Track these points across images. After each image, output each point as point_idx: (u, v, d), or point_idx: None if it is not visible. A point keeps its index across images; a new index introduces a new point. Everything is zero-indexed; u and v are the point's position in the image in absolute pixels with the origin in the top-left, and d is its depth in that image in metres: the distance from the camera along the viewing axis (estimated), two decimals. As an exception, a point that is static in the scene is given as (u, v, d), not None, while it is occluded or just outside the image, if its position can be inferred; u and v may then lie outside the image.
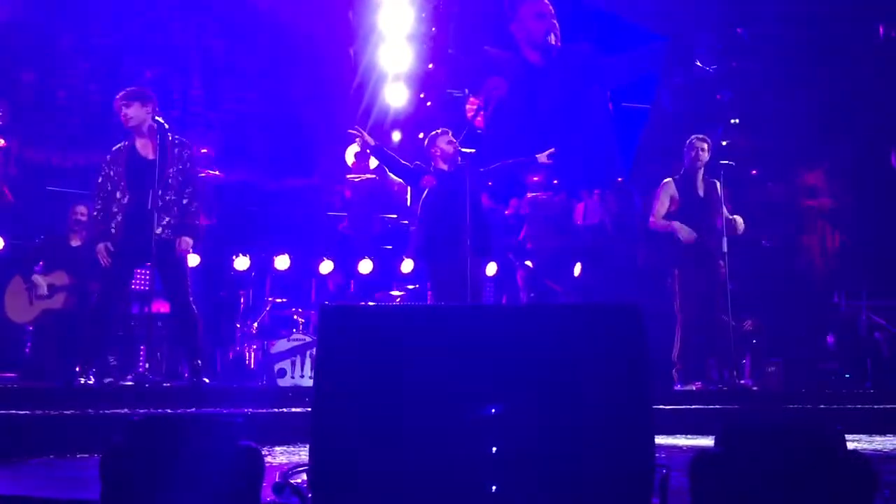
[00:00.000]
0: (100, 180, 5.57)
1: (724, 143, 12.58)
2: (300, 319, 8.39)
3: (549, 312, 2.84)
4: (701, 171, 6.65)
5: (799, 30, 11.36)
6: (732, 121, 12.84)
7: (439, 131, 6.48)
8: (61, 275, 6.86)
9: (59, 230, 7.11)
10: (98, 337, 5.46)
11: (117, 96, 5.64)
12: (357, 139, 6.36)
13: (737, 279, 8.16)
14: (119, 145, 5.64)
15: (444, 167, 6.34)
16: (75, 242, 7.00)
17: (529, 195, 12.00)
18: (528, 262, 9.78)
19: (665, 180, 6.74)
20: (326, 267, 9.84)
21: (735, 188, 9.16)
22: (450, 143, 6.34)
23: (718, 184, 6.69)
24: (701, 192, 6.63)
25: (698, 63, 12.95)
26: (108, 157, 5.62)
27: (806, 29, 11.23)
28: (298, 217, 10.81)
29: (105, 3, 10.08)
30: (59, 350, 6.87)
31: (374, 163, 10.34)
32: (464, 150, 6.38)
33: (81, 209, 7.00)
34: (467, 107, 6.38)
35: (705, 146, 6.64)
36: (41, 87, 9.60)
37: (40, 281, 6.81)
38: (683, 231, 6.49)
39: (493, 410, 2.37)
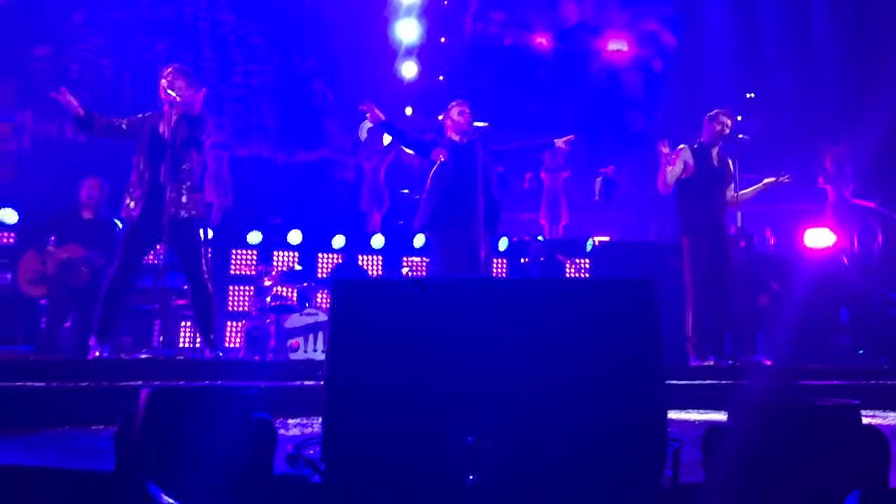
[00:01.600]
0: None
1: (738, 118, 12.47)
2: (313, 294, 8.43)
3: (563, 286, 2.83)
4: (718, 147, 6.59)
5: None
6: (748, 95, 12.73)
7: (454, 103, 6.42)
8: (75, 248, 6.89)
9: (72, 203, 7.12)
10: (112, 311, 5.48)
11: (171, 68, 5.59)
12: (367, 115, 6.29)
13: (751, 254, 8.13)
14: (145, 115, 5.59)
15: (457, 138, 6.28)
16: (87, 215, 7.02)
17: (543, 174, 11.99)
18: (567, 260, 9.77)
19: (681, 146, 6.66)
20: (339, 242, 9.85)
21: (747, 166, 9.07)
22: (462, 113, 6.26)
23: (731, 162, 6.64)
24: (716, 164, 6.57)
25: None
26: (140, 116, 5.59)
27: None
28: (311, 191, 10.83)
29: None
30: (73, 323, 6.92)
31: (387, 138, 10.30)
32: (477, 123, 6.32)
33: (93, 182, 7.01)
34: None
35: (729, 122, 6.57)
36: (54, 61, 9.61)
37: (54, 254, 6.85)
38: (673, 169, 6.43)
39: (504, 385, 2.37)
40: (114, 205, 6.25)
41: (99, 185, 6.99)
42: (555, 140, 6.47)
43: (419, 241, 9.44)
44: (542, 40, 13.05)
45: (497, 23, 12.96)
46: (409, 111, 11.54)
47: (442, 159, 6.13)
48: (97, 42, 9.94)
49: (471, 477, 2.24)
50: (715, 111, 6.69)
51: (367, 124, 7.85)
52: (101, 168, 7.17)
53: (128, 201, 5.44)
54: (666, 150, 6.43)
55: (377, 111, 6.23)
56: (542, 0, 13.03)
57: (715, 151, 6.59)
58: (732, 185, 6.63)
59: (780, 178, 6.91)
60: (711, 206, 6.48)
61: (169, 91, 5.39)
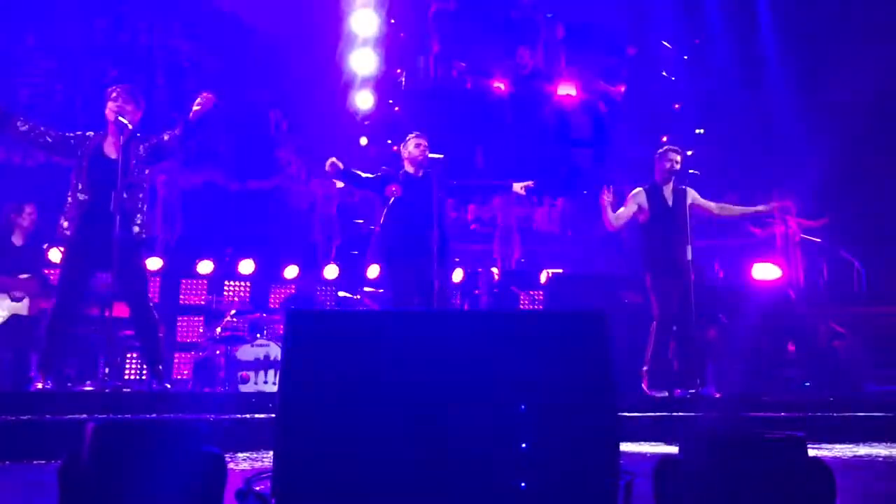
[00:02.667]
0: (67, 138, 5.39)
1: (689, 153, 12.74)
2: (264, 325, 8.33)
3: (516, 319, 2.84)
4: (671, 182, 6.72)
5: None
6: (697, 131, 13.02)
7: (411, 135, 6.47)
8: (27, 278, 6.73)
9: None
10: (58, 342, 5.33)
11: (120, 88, 5.49)
12: (328, 168, 6.30)
13: (700, 287, 8.24)
14: (88, 133, 5.44)
15: (412, 171, 6.33)
16: (18, 242, 6.83)
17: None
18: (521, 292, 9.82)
19: (635, 190, 6.81)
20: (292, 272, 9.78)
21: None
22: (418, 146, 6.32)
23: (688, 191, 6.78)
24: (670, 202, 6.70)
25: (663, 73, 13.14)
26: (78, 136, 5.41)
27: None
28: (263, 220, 10.74)
29: (70, 3, 9.97)
30: (14, 355, 6.72)
31: (339, 183, 10.31)
32: (433, 155, 6.36)
33: (31, 208, 6.85)
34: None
35: (678, 158, 6.71)
36: (3, 84, 9.43)
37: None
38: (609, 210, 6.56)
39: (458, 416, 2.37)
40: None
41: (35, 210, 6.82)
42: (513, 184, 6.55)
43: (373, 271, 9.42)
44: (500, 85, 13.34)
45: (459, 70, 13.28)
46: (363, 141, 11.57)
47: (396, 194, 6.17)
48: (49, 66, 9.80)
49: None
50: (664, 148, 6.85)
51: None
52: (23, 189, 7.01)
53: (63, 222, 5.26)
54: (609, 197, 6.57)
55: (338, 163, 6.24)
56: (501, 49, 13.39)
57: (668, 189, 6.72)
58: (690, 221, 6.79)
59: (766, 209, 7.13)
60: (668, 243, 6.60)
61: (120, 116, 5.31)
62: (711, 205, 6.94)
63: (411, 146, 6.34)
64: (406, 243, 6.10)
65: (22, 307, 6.70)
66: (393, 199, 6.21)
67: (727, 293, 9.84)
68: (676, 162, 6.70)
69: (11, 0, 9.55)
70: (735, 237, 11.06)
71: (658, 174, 6.76)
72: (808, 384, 9.13)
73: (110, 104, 5.36)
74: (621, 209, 6.69)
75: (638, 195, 6.72)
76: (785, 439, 2.30)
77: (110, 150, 5.34)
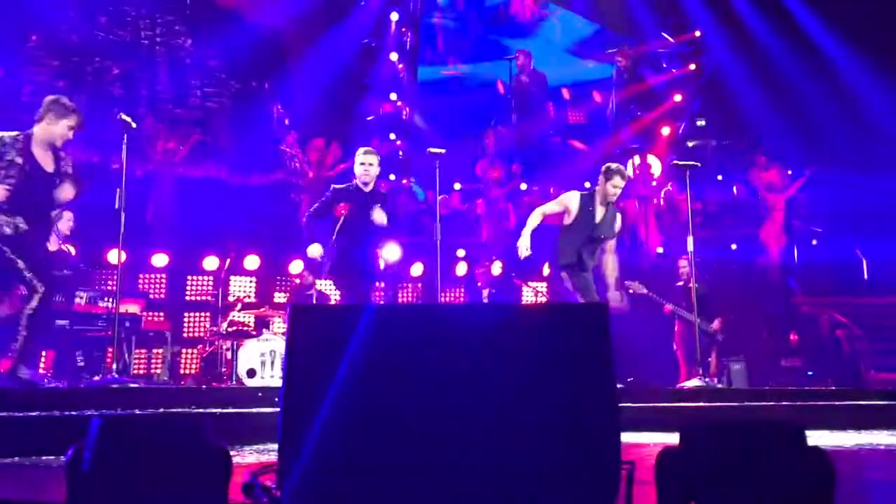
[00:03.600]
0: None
1: (690, 145, 12.77)
2: (270, 319, 8.37)
3: (518, 311, 2.86)
4: (608, 200, 6.62)
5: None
6: (699, 122, 13.03)
7: (360, 150, 6.53)
8: None
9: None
10: (44, 338, 5.44)
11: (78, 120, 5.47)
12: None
13: (704, 280, 8.28)
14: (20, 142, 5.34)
15: (360, 185, 6.40)
16: (52, 247, 6.94)
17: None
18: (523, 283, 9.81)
19: (570, 193, 6.73)
20: (296, 267, 9.80)
21: (700, 191, 9.25)
22: (361, 164, 6.36)
23: (619, 217, 6.77)
24: (597, 219, 6.62)
25: (664, 65, 13.15)
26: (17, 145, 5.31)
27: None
28: (266, 214, 10.77)
29: (72, 1, 9.99)
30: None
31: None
32: (434, 149, 6.42)
33: (69, 216, 6.98)
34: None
35: (621, 184, 6.60)
36: (7, 82, 9.46)
37: None
38: (523, 245, 6.49)
39: (461, 408, 2.39)
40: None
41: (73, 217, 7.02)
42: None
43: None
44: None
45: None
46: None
47: (343, 212, 6.27)
48: (52, 64, 9.82)
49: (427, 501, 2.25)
50: (611, 166, 6.71)
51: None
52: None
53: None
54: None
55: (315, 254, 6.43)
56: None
57: (605, 202, 6.63)
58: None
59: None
60: (581, 256, 6.59)
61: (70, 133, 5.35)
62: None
63: (356, 163, 6.41)
64: (345, 260, 6.28)
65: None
66: (341, 217, 6.29)
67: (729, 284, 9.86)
68: (617, 187, 6.59)
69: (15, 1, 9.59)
70: (744, 227, 11.07)
71: (600, 184, 6.66)
72: (810, 373, 9.15)
73: (72, 122, 5.45)
74: (547, 205, 6.77)
75: (568, 198, 6.70)
76: (785, 427, 2.32)
77: (45, 163, 5.42)
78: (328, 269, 6.39)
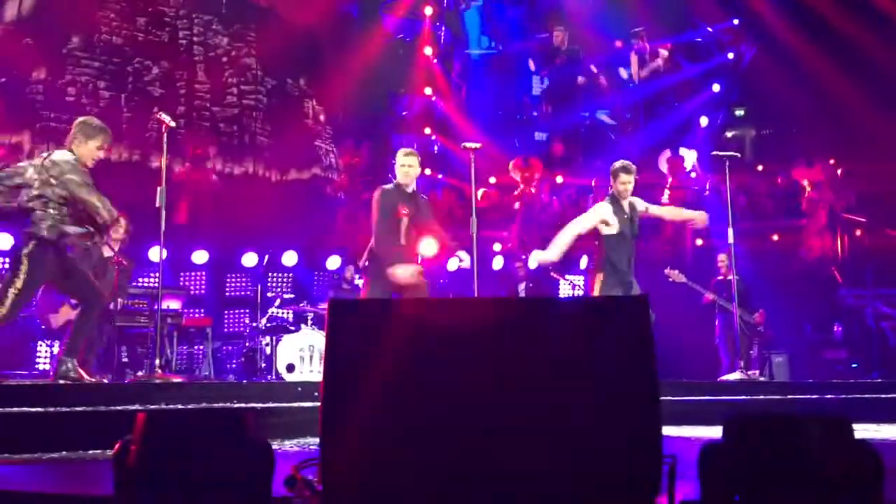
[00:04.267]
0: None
1: (729, 135, 12.60)
2: (309, 314, 8.43)
3: (557, 305, 2.85)
4: (623, 198, 6.51)
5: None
6: (737, 112, 12.86)
7: (400, 151, 6.41)
8: None
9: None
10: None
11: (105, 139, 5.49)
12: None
13: (746, 272, 8.18)
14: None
15: (403, 184, 6.27)
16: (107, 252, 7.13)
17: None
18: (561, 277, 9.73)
19: (601, 204, 6.60)
20: (334, 262, 9.87)
21: (740, 180, 9.12)
22: (402, 166, 6.22)
23: (638, 205, 6.63)
24: (632, 220, 6.52)
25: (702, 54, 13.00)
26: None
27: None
28: (303, 210, 10.86)
29: (111, 3, 10.15)
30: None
31: None
32: (469, 144, 6.41)
33: (124, 220, 7.18)
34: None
35: (626, 178, 6.45)
36: (52, 83, 9.65)
37: None
38: (539, 258, 6.49)
39: (502, 402, 2.39)
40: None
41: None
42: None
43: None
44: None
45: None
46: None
47: (405, 213, 6.13)
48: (94, 65, 9.99)
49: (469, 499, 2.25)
50: (616, 166, 6.57)
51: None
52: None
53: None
54: None
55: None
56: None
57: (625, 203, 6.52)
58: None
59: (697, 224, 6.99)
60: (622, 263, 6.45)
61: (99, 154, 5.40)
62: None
63: (397, 164, 6.30)
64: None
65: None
66: (403, 219, 6.13)
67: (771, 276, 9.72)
68: (626, 183, 6.46)
69: (56, 2, 9.76)
70: (783, 219, 10.92)
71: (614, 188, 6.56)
72: (855, 365, 8.99)
73: (102, 150, 5.47)
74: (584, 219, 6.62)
75: (601, 209, 6.53)
76: (831, 421, 2.28)
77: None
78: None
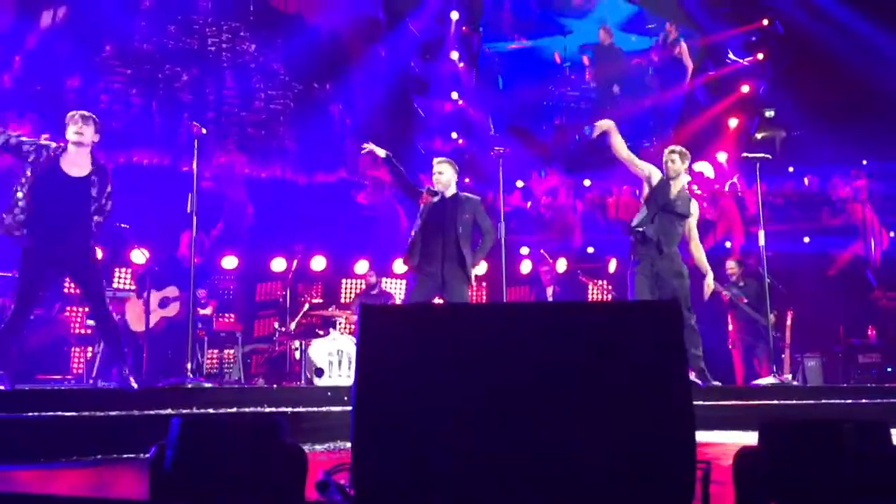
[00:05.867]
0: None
1: (758, 136, 12.48)
2: (337, 319, 8.46)
3: (588, 310, 2.84)
4: (676, 182, 6.50)
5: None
6: (767, 113, 12.72)
7: (435, 160, 6.54)
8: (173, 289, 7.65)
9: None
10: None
11: (77, 115, 5.51)
12: (364, 150, 6.46)
13: (777, 274, 8.08)
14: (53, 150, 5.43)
15: (438, 190, 6.38)
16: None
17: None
18: (589, 280, 9.67)
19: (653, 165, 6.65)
20: (362, 267, 9.90)
21: (771, 182, 9.02)
22: (433, 173, 6.40)
23: (694, 206, 6.59)
24: (672, 192, 6.47)
25: (731, 55, 12.89)
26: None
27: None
28: (330, 213, 10.93)
29: (143, 11, 10.30)
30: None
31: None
32: (498, 148, 6.43)
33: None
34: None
35: (675, 157, 6.49)
36: (85, 91, 9.83)
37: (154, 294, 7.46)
38: (604, 125, 6.40)
39: (533, 408, 2.38)
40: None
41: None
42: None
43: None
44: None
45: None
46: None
47: (426, 203, 6.24)
48: (125, 72, 10.16)
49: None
50: (669, 148, 6.64)
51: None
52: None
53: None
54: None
55: (375, 148, 6.39)
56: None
57: (676, 186, 6.50)
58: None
59: None
60: (658, 236, 6.42)
61: (79, 133, 5.40)
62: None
63: (435, 170, 6.43)
64: (422, 256, 6.24)
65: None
66: (423, 206, 6.29)
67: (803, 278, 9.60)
68: (672, 161, 6.48)
69: (90, 10, 9.92)
70: (815, 221, 10.79)
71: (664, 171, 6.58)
72: (890, 369, 8.85)
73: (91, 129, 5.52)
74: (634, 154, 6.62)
75: (654, 170, 6.55)
76: (868, 426, 2.25)
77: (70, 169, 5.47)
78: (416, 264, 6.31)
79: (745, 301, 8.56)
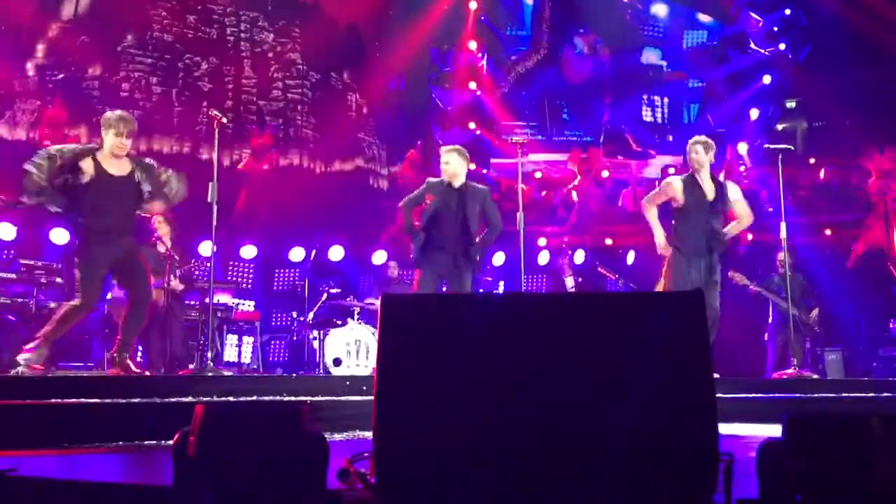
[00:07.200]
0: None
1: (780, 128, 12.37)
2: (356, 309, 8.48)
3: (610, 300, 2.82)
4: (702, 173, 6.39)
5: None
6: (789, 104, 12.60)
7: (442, 149, 6.48)
8: None
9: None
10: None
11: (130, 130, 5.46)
12: None
13: (799, 268, 8.01)
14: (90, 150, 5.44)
15: (446, 180, 6.31)
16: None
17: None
18: (609, 272, 9.59)
19: (668, 180, 6.55)
20: (380, 257, 9.91)
21: (794, 174, 8.92)
22: (440, 162, 6.31)
23: (730, 186, 6.51)
24: (710, 195, 6.35)
25: (752, 45, 12.77)
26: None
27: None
28: (348, 201, 10.95)
29: (163, 1, 10.37)
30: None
31: None
32: (517, 138, 6.38)
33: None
34: None
35: (698, 149, 6.39)
36: (106, 80, 9.91)
37: None
38: (660, 240, 6.35)
39: (554, 398, 2.37)
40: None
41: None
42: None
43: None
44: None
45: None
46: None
47: (428, 202, 6.25)
48: (146, 61, 10.23)
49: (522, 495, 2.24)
50: (692, 139, 6.54)
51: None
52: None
53: None
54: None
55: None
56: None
57: (704, 179, 6.39)
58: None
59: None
60: (697, 235, 6.33)
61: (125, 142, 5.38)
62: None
63: (442, 159, 6.37)
64: (432, 249, 6.21)
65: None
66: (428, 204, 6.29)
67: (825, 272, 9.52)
68: (696, 153, 6.37)
69: (111, 1, 10.00)
70: (840, 213, 10.69)
71: (687, 165, 6.53)
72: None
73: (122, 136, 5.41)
74: (653, 195, 6.60)
75: (668, 187, 6.46)
76: (893, 419, 2.23)
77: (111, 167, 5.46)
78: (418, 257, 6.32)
79: (782, 297, 8.45)
